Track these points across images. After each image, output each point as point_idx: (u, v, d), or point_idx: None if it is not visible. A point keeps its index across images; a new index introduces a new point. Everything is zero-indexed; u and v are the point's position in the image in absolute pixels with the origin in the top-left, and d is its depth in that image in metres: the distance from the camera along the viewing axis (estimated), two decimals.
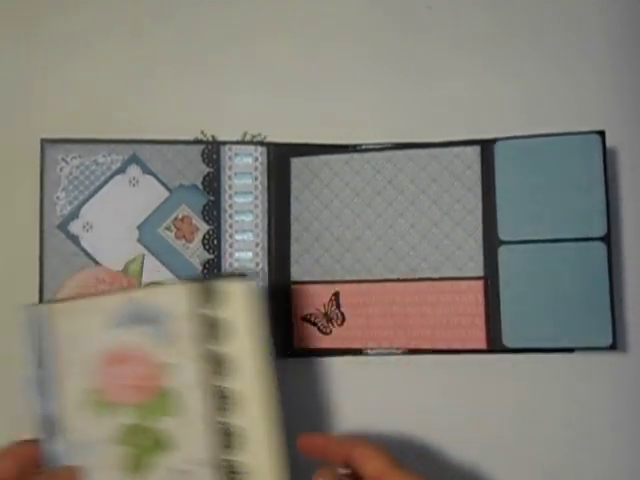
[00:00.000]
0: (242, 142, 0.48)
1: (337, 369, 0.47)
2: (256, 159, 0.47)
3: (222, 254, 0.47)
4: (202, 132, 0.49)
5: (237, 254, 0.47)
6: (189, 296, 0.37)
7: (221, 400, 0.37)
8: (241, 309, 0.37)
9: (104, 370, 0.38)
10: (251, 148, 0.47)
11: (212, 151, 0.47)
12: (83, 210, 0.46)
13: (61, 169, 0.46)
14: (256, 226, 0.47)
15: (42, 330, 0.38)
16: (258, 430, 0.36)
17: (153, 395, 0.37)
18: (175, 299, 0.37)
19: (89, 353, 0.38)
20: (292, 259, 0.47)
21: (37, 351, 0.38)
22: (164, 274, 0.46)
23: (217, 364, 0.37)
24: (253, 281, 0.37)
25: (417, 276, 0.46)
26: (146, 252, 0.46)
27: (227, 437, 0.37)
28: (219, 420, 0.37)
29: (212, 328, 0.37)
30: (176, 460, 0.37)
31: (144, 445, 0.37)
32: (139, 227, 0.46)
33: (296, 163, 0.48)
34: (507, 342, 0.45)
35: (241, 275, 0.38)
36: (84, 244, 0.46)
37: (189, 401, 0.37)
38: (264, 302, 0.37)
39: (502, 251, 0.45)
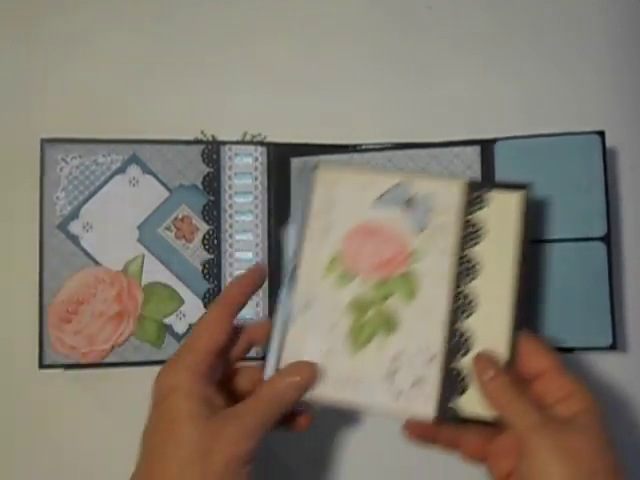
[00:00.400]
0: (242, 142, 0.48)
1: None
2: (256, 159, 0.47)
3: (222, 254, 0.47)
4: (202, 132, 0.49)
5: (237, 254, 0.47)
6: (461, 194, 0.38)
7: (462, 301, 0.36)
8: (507, 218, 0.37)
9: (354, 240, 0.38)
10: (251, 148, 0.47)
11: (212, 151, 0.47)
12: (83, 210, 0.46)
13: (61, 169, 0.46)
14: (256, 226, 0.47)
15: (307, 186, 0.39)
16: (492, 339, 0.35)
17: (395, 275, 0.37)
18: (446, 194, 0.38)
19: (345, 221, 0.38)
20: None
21: (299, 205, 0.39)
22: (164, 274, 0.46)
23: (468, 265, 0.37)
24: (526, 192, 0.37)
25: None
26: (146, 252, 0.46)
27: (459, 340, 0.36)
28: (454, 320, 0.36)
29: (473, 229, 0.37)
30: (400, 346, 0.36)
31: (372, 321, 0.37)
32: (139, 227, 0.46)
33: (296, 163, 0.48)
34: None
35: (516, 185, 0.37)
36: (84, 244, 0.46)
37: (429, 293, 0.37)
38: (530, 217, 0.37)
39: None
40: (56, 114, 0.49)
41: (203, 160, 0.47)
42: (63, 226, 0.46)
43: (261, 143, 0.48)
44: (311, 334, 0.37)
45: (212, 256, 0.47)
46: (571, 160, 0.45)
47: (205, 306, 0.46)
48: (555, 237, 0.45)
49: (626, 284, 0.47)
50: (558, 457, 0.30)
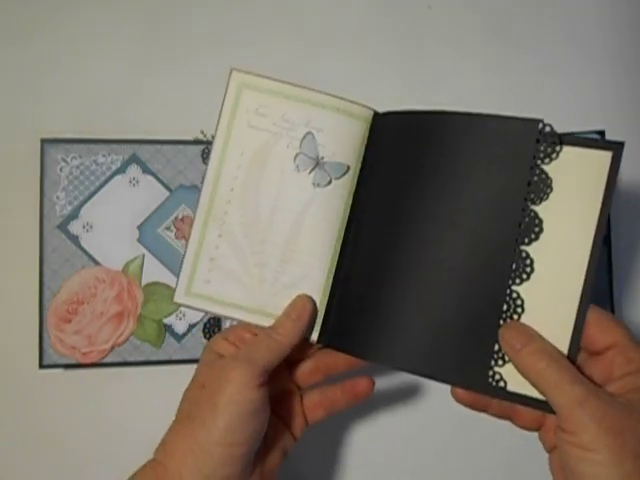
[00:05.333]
0: None
1: None
2: None
3: None
4: (202, 132, 0.49)
5: None
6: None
7: (522, 262, 0.32)
8: (582, 180, 0.31)
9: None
10: None
11: None
12: (83, 210, 0.46)
13: (61, 169, 0.46)
14: None
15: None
16: (552, 314, 0.32)
17: None
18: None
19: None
20: None
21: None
22: (164, 274, 0.46)
23: (529, 223, 0.32)
24: (612, 152, 0.31)
25: None
26: (146, 252, 0.46)
27: (509, 305, 0.32)
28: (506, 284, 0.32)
29: (539, 184, 0.32)
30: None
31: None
32: (139, 227, 0.46)
33: None
34: None
35: (605, 142, 0.31)
36: (84, 244, 0.46)
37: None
38: (614, 183, 0.31)
39: None
40: (56, 114, 0.49)
41: (203, 160, 0.47)
42: (63, 226, 0.46)
43: None
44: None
45: None
46: None
47: None
48: None
49: (626, 284, 0.47)
50: (602, 434, 0.28)
